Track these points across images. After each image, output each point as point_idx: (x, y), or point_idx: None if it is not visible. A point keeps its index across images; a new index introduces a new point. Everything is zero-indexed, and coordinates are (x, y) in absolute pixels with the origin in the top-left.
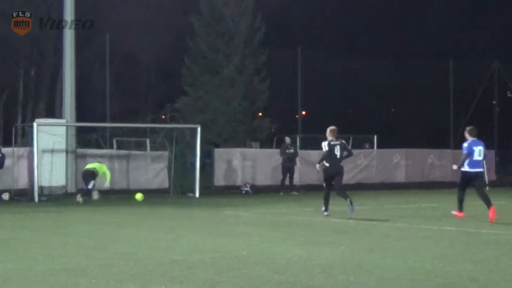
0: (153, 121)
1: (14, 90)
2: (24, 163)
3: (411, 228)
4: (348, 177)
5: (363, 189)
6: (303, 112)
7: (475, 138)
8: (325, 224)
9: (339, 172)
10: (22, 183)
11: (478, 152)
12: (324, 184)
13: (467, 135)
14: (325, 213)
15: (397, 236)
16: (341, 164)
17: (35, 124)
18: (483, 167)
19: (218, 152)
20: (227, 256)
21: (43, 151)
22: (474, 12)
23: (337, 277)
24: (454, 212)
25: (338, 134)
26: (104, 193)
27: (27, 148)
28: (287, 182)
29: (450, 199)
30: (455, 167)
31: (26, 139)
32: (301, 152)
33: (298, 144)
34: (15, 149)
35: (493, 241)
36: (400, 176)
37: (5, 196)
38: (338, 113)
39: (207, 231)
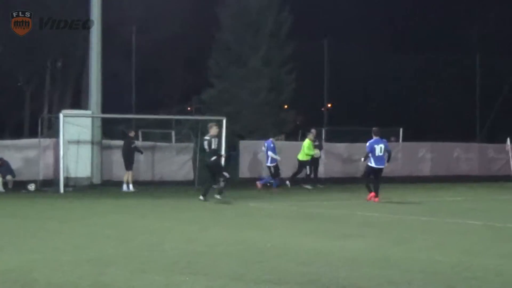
0: (179, 112)
1: (41, 81)
2: (50, 154)
3: (436, 222)
4: None
5: (388, 183)
6: (329, 105)
7: (378, 137)
8: (350, 217)
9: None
10: (48, 174)
11: (379, 149)
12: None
13: (372, 134)
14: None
15: (422, 229)
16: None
17: (61, 115)
18: (385, 161)
19: (244, 144)
20: (251, 248)
21: (69, 142)
22: (501, 4)
23: (362, 270)
24: (367, 198)
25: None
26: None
27: (53, 139)
28: (312, 174)
29: (476, 193)
30: (362, 159)
31: (52, 130)
32: (326, 145)
33: (323, 136)
34: (41, 139)
35: None
36: (425, 170)
37: (31, 187)
38: (364, 106)
39: (232, 223)
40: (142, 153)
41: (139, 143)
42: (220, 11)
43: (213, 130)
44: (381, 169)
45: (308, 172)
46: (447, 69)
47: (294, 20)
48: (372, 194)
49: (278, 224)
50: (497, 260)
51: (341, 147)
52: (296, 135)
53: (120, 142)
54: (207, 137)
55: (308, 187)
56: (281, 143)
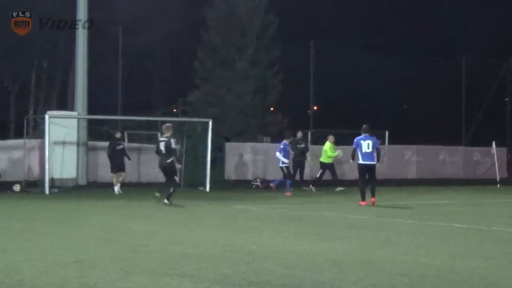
0: (165, 114)
1: (27, 81)
2: (35, 155)
3: (421, 225)
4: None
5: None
6: (315, 107)
7: (367, 134)
8: (336, 219)
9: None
10: (34, 175)
11: (366, 145)
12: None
13: (361, 131)
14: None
15: (408, 232)
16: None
17: (47, 116)
18: (374, 158)
19: (230, 146)
20: (238, 250)
21: (55, 143)
22: (487, 7)
23: (347, 272)
24: (360, 203)
25: (354, 130)
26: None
27: (39, 140)
28: (297, 177)
29: (462, 196)
30: (351, 160)
31: (37, 131)
32: (312, 147)
33: (309, 139)
34: (27, 140)
35: (504, 239)
36: (411, 173)
37: (16, 187)
38: (350, 108)
39: (218, 225)
40: (129, 159)
41: (125, 144)
42: (207, 13)
43: (170, 131)
44: (370, 166)
45: (318, 175)
46: (433, 72)
47: (281, 22)
48: (363, 203)
49: (264, 226)
50: (482, 263)
51: None
52: (282, 137)
53: (106, 144)
54: (163, 138)
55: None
56: (267, 145)
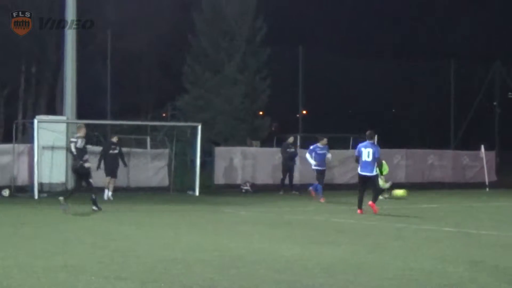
0: (154, 118)
1: (15, 86)
2: (24, 159)
3: (410, 229)
4: (348, 178)
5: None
6: (304, 112)
7: (369, 141)
8: (325, 223)
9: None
10: (22, 179)
11: (367, 154)
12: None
13: (366, 137)
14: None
15: (397, 236)
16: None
17: (35, 121)
18: (372, 168)
19: (219, 151)
20: (227, 254)
21: (44, 148)
22: (474, 11)
23: (337, 277)
24: (358, 211)
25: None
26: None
27: (28, 145)
28: (287, 181)
29: (451, 200)
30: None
31: (26, 136)
32: (302, 152)
33: (298, 143)
34: (16, 145)
35: (493, 243)
36: (400, 176)
37: (5, 192)
38: (338, 113)
39: (207, 229)
40: (125, 165)
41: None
42: (195, 17)
43: (81, 131)
44: (368, 177)
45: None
46: (422, 77)
47: (270, 27)
48: (360, 211)
49: (254, 231)
50: (471, 266)
51: None
52: (271, 141)
53: (95, 148)
54: (73, 139)
55: (281, 192)
56: (256, 150)
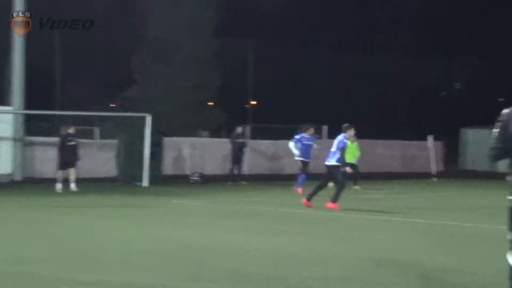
0: (103, 109)
1: None
2: None
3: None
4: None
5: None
6: (254, 102)
7: (342, 134)
8: (273, 213)
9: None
10: None
11: (334, 144)
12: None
13: None
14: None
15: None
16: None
17: None
18: (332, 158)
19: (167, 141)
20: (170, 246)
21: None
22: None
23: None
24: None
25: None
26: (51, 181)
27: None
28: (235, 171)
29: (400, 189)
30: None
31: None
32: (251, 142)
33: (248, 133)
34: None
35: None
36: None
37: None
38: (288, 104)
39: (157, 220)
40: (78, 159)
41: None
42: (146, 6)
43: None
44: (326, 166)
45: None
46: (370, 69)
47: (220, 17)
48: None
49: (204, 221)
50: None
51: (265, 144)
52: (221, 132)
53: (44, 139)
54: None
55: (229, 183)
56: (205, 140)
